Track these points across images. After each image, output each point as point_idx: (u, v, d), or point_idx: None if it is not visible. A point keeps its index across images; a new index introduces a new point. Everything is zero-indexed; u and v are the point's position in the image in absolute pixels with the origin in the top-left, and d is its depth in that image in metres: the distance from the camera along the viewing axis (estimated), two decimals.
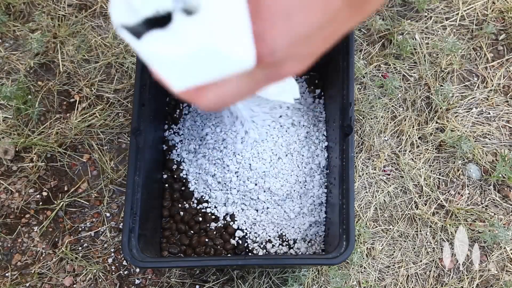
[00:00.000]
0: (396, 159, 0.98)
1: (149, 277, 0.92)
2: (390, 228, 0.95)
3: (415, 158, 0.98)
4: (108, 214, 0.96)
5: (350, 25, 0.25)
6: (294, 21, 0.23)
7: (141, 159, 0.78)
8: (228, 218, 0.88)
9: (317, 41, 0.25)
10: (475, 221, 0.95)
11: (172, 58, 0.23)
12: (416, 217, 0.95)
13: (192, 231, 0.88)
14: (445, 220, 0.95)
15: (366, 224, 0.94)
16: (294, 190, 0.87)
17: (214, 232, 0.87)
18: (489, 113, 1.02)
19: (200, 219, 0.88)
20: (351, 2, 0.24)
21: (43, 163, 0.98)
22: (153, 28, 0.23)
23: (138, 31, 0.23)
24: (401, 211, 0.95)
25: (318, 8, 0.23)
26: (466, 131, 0.99)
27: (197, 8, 0.22)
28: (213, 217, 0.88)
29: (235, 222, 0.88)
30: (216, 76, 0.25)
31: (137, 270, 0.93)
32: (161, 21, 0.23)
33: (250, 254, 0.87)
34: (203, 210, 0.89)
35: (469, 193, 0.97)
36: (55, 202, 0.96)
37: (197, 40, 0.22)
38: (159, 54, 0.23)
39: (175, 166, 0.91)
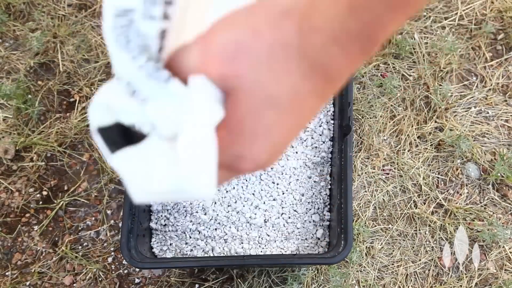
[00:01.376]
0: (395, 158, 0.98)
1: (149, 276, 0.93)
2: (389, 227, 0.95)
3: (414, 158, 0.98)
4: (108, 213, 0.96)
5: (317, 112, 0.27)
6: (273, 135, 0.24)
7: None
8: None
9: (291, 139, 0.26)
10: (474, 220, 0.95)
11: (138, 180, 0.24)
12: (415, 216, 0.95)
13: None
14: (444, 219, 0.95)
15: (365, 223, 0.94)
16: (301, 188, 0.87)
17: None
18: (488, 113, 1.02)
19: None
20: (322, 95, 0.25)
21: (43, 163, 0.99)
22: (125, 139, 0.24)
23: (113, 140, 0.25)
24: (400, 210, 0.96)
25: (293, 117, 0.24)
26: (465, 130, 0.99)
27: (172, 137, 0.23)
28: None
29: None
30: (175, 200, 0.26)
31: (137, 269, 0.93)
32: (134, 133, 0.24)
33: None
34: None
35: (468, 192, 0.97)
36: (55, 201, 0.96)
37: (166, 179, 0.23)
38: (127, 172, 0.24)
39: None
